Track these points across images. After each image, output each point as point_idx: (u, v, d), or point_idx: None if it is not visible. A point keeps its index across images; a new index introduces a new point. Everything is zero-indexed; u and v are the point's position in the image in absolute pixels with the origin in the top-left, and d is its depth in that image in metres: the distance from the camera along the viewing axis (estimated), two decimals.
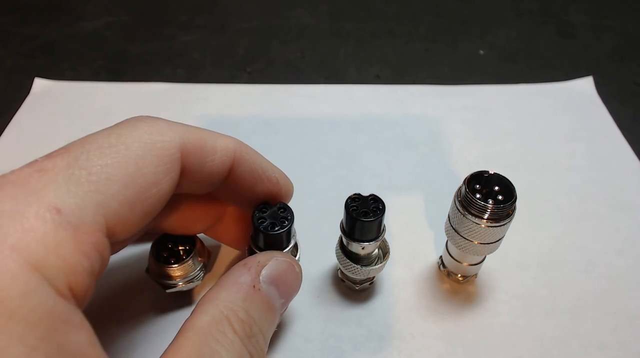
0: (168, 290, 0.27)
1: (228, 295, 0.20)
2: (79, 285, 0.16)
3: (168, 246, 0.29)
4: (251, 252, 0.27)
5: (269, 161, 0.26)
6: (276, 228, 0.24)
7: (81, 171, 0.17)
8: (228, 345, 0.19)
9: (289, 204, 0.26)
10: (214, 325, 0.19)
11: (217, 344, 0.19)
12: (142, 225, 0.20)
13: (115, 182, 0.18)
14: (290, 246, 0.26)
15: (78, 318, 0.16)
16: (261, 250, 0.25)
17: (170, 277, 0.27)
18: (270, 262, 0.22)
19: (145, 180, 0.19)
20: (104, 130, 0.20)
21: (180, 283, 0.27)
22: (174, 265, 0.27)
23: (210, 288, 0.21)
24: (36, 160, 0.18)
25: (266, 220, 0.24)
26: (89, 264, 0.17)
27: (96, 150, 0.18)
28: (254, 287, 0.21)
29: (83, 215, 0.17)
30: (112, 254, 0.19)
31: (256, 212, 0.25)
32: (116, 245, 0.20)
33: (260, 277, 0.21)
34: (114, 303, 0.29)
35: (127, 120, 0.21)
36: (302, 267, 0.31)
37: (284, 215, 0.25)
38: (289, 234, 0.25)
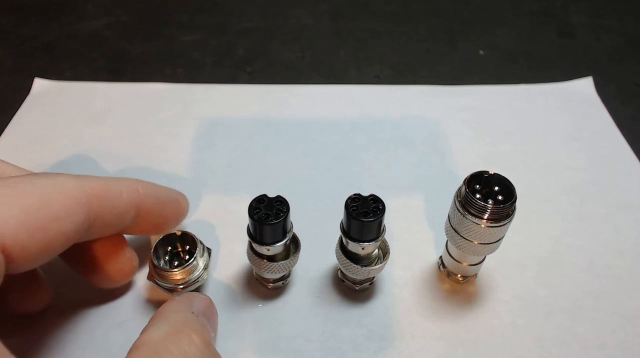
0: (174, 294, 0.27)
1: (176, 316, 0.22)
2: None
3: (168, 250, 0.28)
4: (249, 245, 0.27)
5: (166, 187, 0.29)
6: (270, 219, 0.25)
7: None
8: (180, 356, 0.19)
9: (286, 197, 0.26)
10: (168, 338, 0.20)
11: (170, 355, 0.19)
12: (44, 256, 0.21)
13: (15, 207, 0.20)
14: (287, 238, 0.26)
15: None
16: (258, 242, 0.26)
17: (176, 281, 0.27)
18: (195, 297, 0.24)
19: (47, 213, 0.21)
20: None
21: (186, 285, 0.27)
22: (178, 269, 0.27)
23: (151, 318, 0.22)
24: None
25: (261, 210, 0.25)
26: None
27: (2, 181, 0.21)
28: (192, 313, 0.23)
29: None
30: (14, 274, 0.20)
31: (253, 202, 0.25)
32: (18, 269, 0.21)
33: (192, 309, 0.23)
34: (117, 309, 0.29)
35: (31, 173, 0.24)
36: (302, 267, 0.31)
37: (280, 208, 0.25)
38: (284, 226, 0.25)
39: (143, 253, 0.31)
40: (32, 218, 0.20)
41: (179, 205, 0.30)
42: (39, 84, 0.45)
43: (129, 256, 0.28)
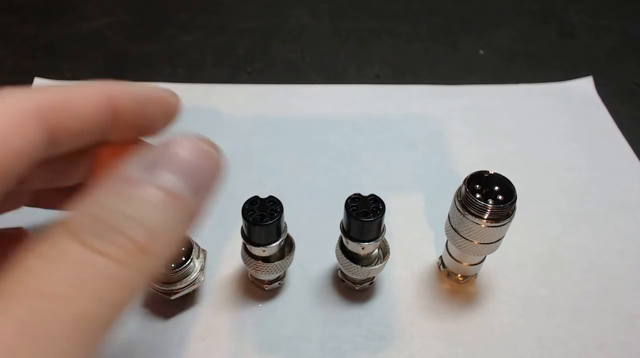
0: (172, 297, 0.27)
1: (98, 194, 0.17)
2: None
3: None
4: (243, 247, 0.27)
5: (148, 85, 0.25)
6: (265, 220, 0.24)
7: None
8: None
9: (278, 198, 0.26)
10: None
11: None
12: (4, 179, 0.18)
13: None
14: (281, 239, 0.26)
15: None
16: (252, 243, 0.26)
17: (172, 283, 0.27)
18: (172, 148, 0.19)
19: None
20: None
21: (182, 288, 0.27)
22: (174, 271, 0.27)
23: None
24: None
25: (255, 212, 0.25)
26: None
27: None
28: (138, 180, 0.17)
29: None
30: None
31: (246, 204, 0.25)
32: None
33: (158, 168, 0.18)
34: None
35: None
36: (302, 267, 0.31)
37: (274, 208, 0.25)
38: (279, 226, 0.25)
39: None
40: None
41: (165, 102, 0.25)
42: (39, 84, 0.45)
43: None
